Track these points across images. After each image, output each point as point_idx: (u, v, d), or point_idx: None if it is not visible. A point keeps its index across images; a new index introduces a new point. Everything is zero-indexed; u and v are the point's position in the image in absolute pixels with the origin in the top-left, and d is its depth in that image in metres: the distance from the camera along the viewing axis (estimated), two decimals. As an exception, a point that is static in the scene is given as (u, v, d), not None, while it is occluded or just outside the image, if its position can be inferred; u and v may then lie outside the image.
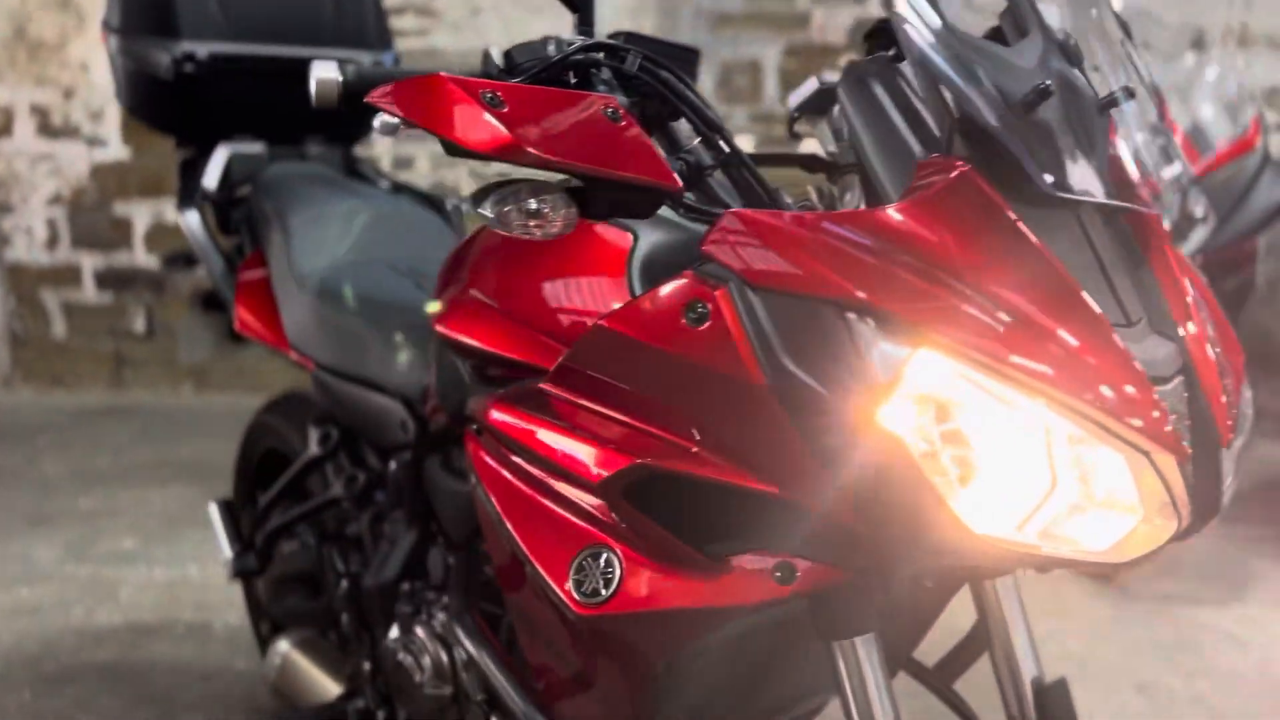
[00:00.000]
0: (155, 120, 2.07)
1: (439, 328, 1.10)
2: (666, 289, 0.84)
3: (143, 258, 4.81)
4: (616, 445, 0.85)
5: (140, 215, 4.79)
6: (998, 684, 1.09)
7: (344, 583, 1.62)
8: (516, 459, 0.99)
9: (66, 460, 4.11)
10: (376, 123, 0.89)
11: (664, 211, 1.01)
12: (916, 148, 0.86)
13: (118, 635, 2.71)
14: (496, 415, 1.01)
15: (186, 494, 3.86)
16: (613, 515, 0.89)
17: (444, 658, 1.34)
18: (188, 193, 1.95)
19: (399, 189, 1.99)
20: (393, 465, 1.54)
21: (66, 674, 2.49)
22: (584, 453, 0.87)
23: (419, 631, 1.37)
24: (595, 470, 0.86)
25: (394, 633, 1.42)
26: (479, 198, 0.85)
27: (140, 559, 3.21)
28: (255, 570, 1.79)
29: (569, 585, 0.91)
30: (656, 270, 0.98)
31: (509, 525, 0.98)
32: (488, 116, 0.81)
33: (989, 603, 1.07)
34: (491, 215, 0.84)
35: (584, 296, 0.99)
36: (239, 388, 5.68)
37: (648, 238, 1.02)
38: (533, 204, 0.84)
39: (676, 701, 0.96)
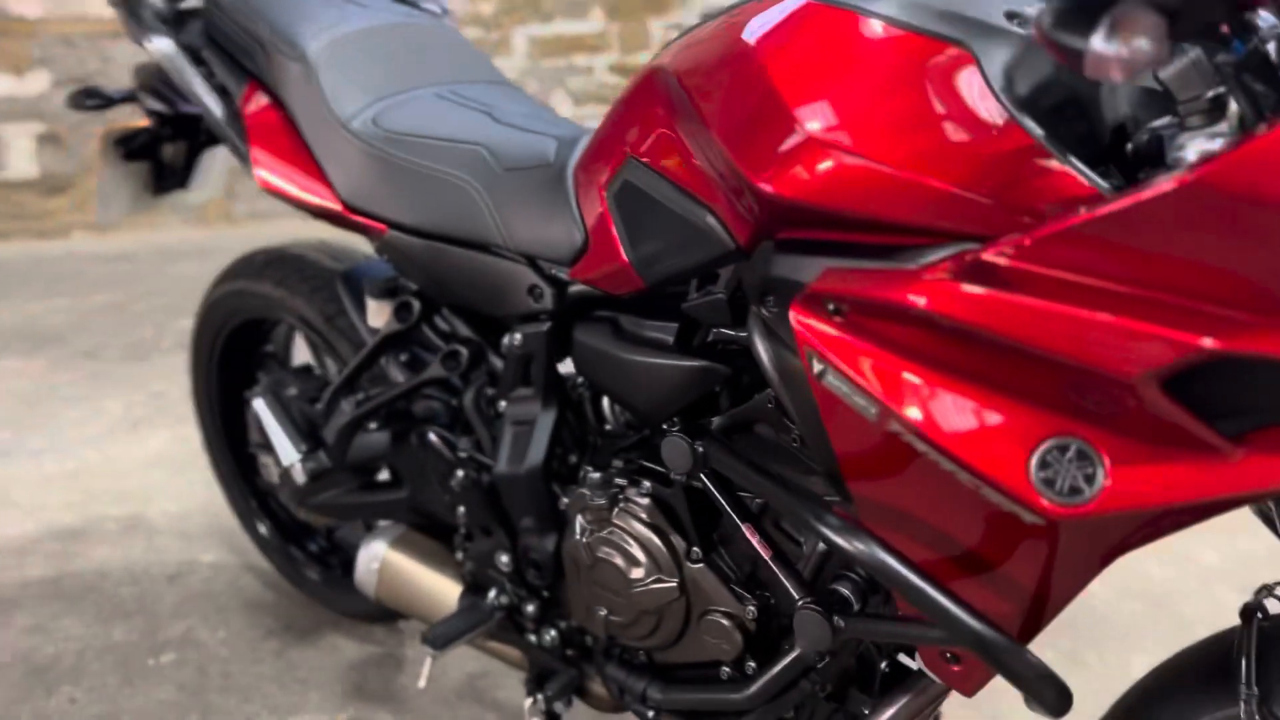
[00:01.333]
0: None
1: (764, 185, 0.89)
2: None
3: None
4: (1161, 324, 0.71)
5: None
6: None
7: (459, 473, 1.41)
8: (912, 338, 0.83)
9: None
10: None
11: (993, 19, 0.84)
12: None
13: (40, 546, 2.33)
14: (870, 287, 0.84)
15: (30, 368, 3.34)
16: (1085, 400, 0.77)
17: (661, 546, 1.19)
18: (139, 15, 1.53)
19: None
20: (517, 337, 1.32)
21: (3, 602, 2.13)
22: (1096, 335, 0.73)
23: (625, 519, 1.21)
24: (1123, 356, 0.73)
25: (581, 520, 1.25)
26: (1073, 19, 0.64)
27: (18, 452, 2.76)
28: (330, 469, 1.54)
29: (1034, 483, 0.79)
30: (1041, 98, 0.81)
31: (907, 414, 0.83)
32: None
33: None
34: (1098, 45, 0.65)
35: (976, 135, 0.81)
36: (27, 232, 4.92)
37: (994, 56, 0.84)
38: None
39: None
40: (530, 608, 1.43)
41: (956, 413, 0.83)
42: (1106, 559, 0.84)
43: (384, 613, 1.90)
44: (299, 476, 1.51)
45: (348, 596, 1.94)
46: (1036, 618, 0.90)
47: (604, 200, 1.14)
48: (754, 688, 1.18)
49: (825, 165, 0.85)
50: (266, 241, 1.87)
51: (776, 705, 1.20)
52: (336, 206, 1.42)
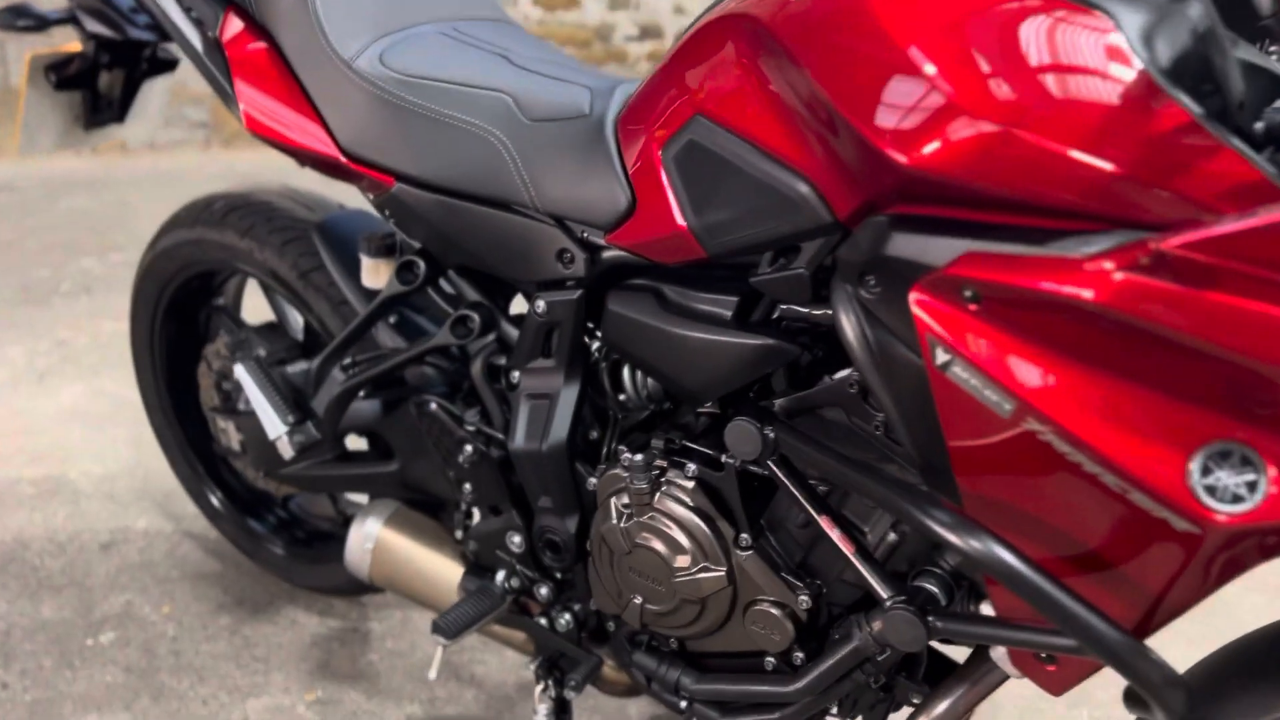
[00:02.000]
0: None
1: (895, 154, 0.81)
2: None
3: None
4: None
5: None
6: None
7: (467, 448, 1.31)
8: (1064, 331, 0.77)
9: None
10: None
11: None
12: None
13: (-52, 511, 2.13)
14: (1023, 275, 0.77)
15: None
16: (1252, 403, 0.72)
17: (708, 532, 1.12)
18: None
19: None
20: (540, 304, 1.21)
21: (-90, 574, 1.94)
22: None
23: (668, 504, 1.13)
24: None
25: (617, 502, 1.16)
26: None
27: (-90, 405, 2.51)
28: (319, 442, 1.40)
29: (1195, 489, 0.74)
30: (1182, 71, 0.75)
31: (1051, 412, 0.77)
32: None
33: None
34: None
35: (1133, 111, 0.74)
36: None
37: (1132, 23, 0.78)
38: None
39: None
40: (543, 590, 1.34)
41: (1109, 412, 0.77)
42: (1244, 566, 0.80)
43: (353, 588, 1.79)
44: (287, 450, 1.38)
45: (313, 570, 1.82)
46: (1150, 621, 0.86)
47: (659, 161, 1.04)
48: (805, 680, 1.13)
49: (977, 136, 0.77)
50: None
51: (825, 697, 1.15)
52: (335, 154, 1.28)
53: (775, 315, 1.07)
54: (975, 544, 0.87)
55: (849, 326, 0.94)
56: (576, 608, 1.35)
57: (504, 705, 1.70)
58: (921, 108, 0.79)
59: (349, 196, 1.59)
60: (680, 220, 1.04)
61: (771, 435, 1.04)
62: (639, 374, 1.27)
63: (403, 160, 1.25)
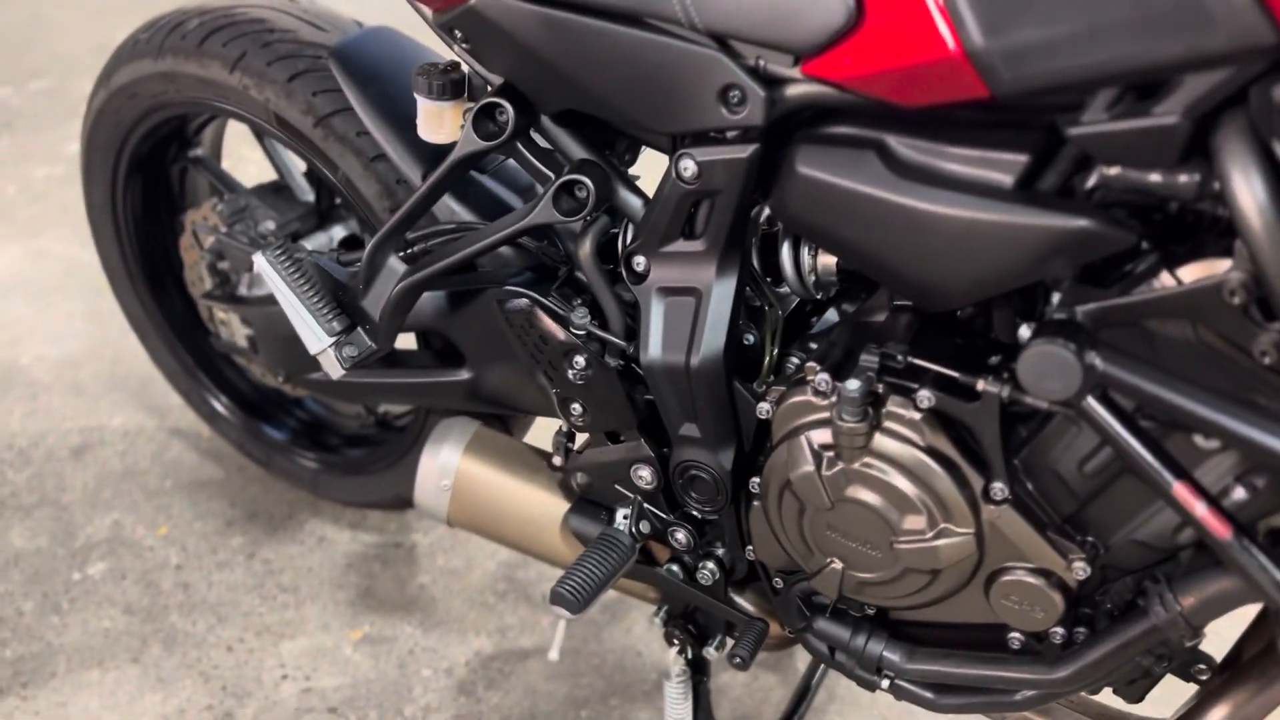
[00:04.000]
0: None
1: None
2: None
3: None
4: None
5: None
6: None
7: (578, 358, 0.97)
8: None
9: None
10: None
11: None
12: None
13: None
14: None
15: None
16: None
17: (952, 486, 0.82)
18: None
19: None
20: (688, 165, 0.85)
21: None
22: None
23: (895, 446, 0.81)
24: None
25: (811, 440, 0.85)
26: None
27: None
28: (374, 352, 1.04)
29: None
30: None
31: None
32: None
33: None
34: None
35: None
36: None
37: None
38: None
39: None
40: (680, 535, 1.04)
41: None
42: None
43: (394, 501, 1.48)
44: (334, 367, 1.03)
45: (345, 483, 1.50)
46: None
47: (917, -50, 0.68)
48: (1077, 664, 0.86)
49: None
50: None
51: (1089, 683, 0.88)
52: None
53: (1091, 185, 0.73)
54: None
55: (1259, 207, 0.62)
56: (721, 552, 1.06)
57: (589, 632, 1.44)
58: None
59: (371, 10, 1.18)
60: (952, 40, 0.69)
61: (1098, 365, 0.72)
62: (805, 250, 0.93)
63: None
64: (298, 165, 1.38)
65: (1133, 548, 0.84)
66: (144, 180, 1.42)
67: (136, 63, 1.25)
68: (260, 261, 0.99)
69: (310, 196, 1.33)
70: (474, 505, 1.10)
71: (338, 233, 1.34)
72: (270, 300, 1.20)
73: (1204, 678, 0.89)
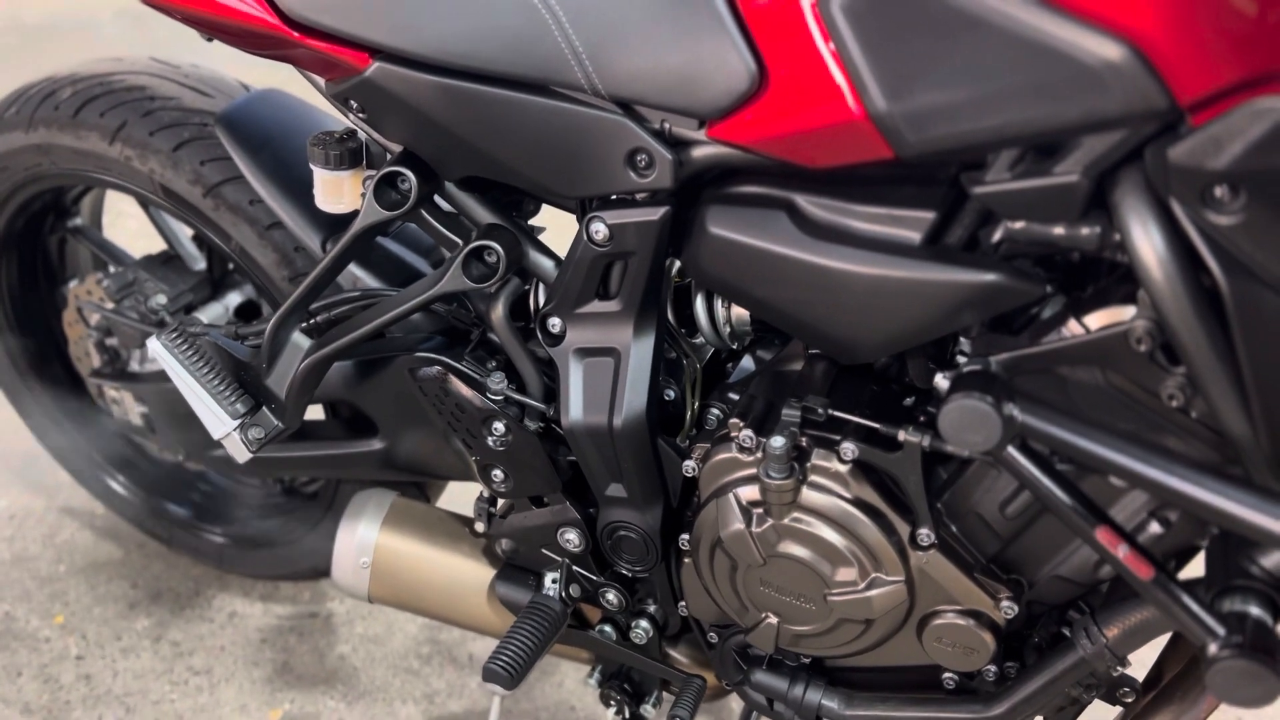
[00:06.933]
0: None
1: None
2: None
3: None
4: None
5: None
6: None
7: (498, 424, 0.95)
8: None
9: None
10: None
11: None
12: None
13: None
14: None
15: None
16: None
17: (878, 534, 0.82)
18: None
19: None
20: (599, 229, 0.85)
21: None
22: None
23: (822, 500, 0.81)
24: None
25: (739, 497, 0.84)
26: None
27: None
28: (281, 431, 0.99)
29: None
30: None
31: None
32: None
33: None
34: None
35: None
36: None
37: None
38: None
39: None
40: (610, 595, 1.03)
41: None
42: None
43: (306, 573, 1.43)
44: (241, 451, 0.98)
45: (252, 557, 1.44)
46: None
47: (817, 10, 0.69)
48: (1010, 702, 0.88)
49: None
50: None
51: (1022, 718, 0.90)
52: (271, 20, 0.84)
53: (996, 239, 0.75)
54: None
55: (1159, 259, 0.64)
56: (653, 609, 1.05)
57: (520, 691, 1.41)
58: None
59: (252, 72, 1.15)
60: (855, 104, 0.69)
61: (1016, 415, 0.74)
62: (719, 302, 0.93)
63: (386, 25, 0.83)
64: (185, 231, 1.33)
65: (1056, 583, 0.86)
66: (20, 253, 1.35)
67: (6, 135, 1.18)
68: (155, 346, 0.94)
69: (201, 264, 1.27)
70: (396, 580, 1.07)
71: (233, 300, 1.29)
72: (165, 377, 1.15)
73: (1129, 700, 0.92)
